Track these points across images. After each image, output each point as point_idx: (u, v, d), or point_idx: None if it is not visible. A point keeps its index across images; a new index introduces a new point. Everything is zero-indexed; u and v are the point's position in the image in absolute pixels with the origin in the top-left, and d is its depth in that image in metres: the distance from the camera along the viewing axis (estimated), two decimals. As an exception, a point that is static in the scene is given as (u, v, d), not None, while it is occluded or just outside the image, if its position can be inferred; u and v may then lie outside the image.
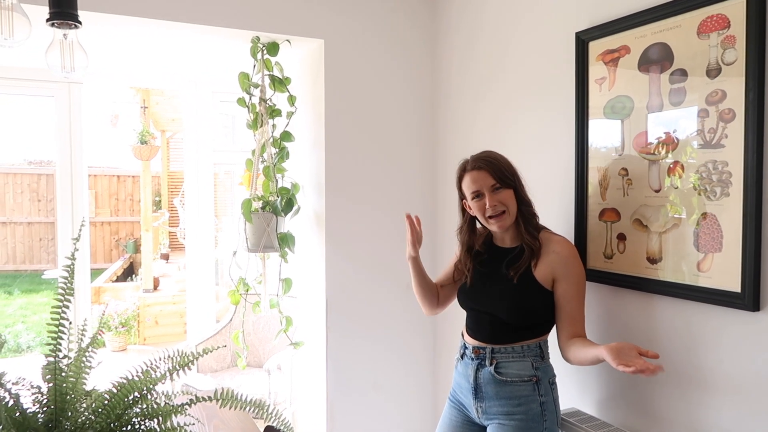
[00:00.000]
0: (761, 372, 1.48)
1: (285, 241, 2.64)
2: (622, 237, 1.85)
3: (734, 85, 1.51)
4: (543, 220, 1.83)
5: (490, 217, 1.75)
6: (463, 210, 1.89)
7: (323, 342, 2.71)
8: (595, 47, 1.93)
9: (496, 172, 1.75)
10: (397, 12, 2.79)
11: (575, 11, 2.03)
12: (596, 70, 1.93)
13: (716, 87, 1.56)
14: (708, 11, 1.57)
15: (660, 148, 1.71)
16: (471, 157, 1.81)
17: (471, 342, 1.83)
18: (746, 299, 1.47)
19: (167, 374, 1.14)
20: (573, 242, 1.99)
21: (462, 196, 1.86)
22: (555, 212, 2.10)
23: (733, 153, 1.51)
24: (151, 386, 1.13)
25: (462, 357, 1.87)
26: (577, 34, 1.98)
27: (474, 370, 1.78)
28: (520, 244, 1.79)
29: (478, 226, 1.91)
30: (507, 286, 1.75)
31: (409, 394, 2.91)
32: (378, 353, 2.82)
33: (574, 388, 2.02)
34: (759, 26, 1.45)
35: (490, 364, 1.75)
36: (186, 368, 1.15)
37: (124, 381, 1.14)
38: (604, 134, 1.92)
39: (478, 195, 1.76)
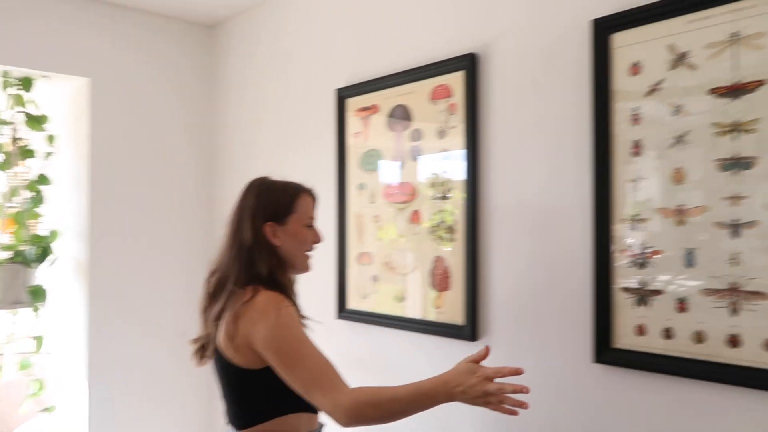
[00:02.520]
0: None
1: (36, 294, 2.38)
2: (376, 278, 2.00)
3: (456, 148, 1.75)
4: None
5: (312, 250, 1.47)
6: (263, 241, 1.37)
7: (86, 404, 2.46)
8: (352, 103, 2.10)
9: None
10: (172, 50, 2.74)
11: (335, 69, 2.20)
12: (353, 123, 2.10)
13: (444, 146, 1.79)
14: (436, 81, 1.81)
15: (402, 198, 1.91)
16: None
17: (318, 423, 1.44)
18: (466, 331, 1.69)
19: None
20: (336, 283, 2.11)
21: (272, 218, 1.38)
22: (319, 256, 2.19)
23: (456, 205, 1.74)
24: None
25: None
26: (337, 90, 2.14)
27: None
28: None
29: None
30: None
31: (187, 451, 2.76)
32: (149, 413, 2.64)
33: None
34: (471, 96, 1.71)
35: None
36: None
37: None
38: (358, 183, 2.08)
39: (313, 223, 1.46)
